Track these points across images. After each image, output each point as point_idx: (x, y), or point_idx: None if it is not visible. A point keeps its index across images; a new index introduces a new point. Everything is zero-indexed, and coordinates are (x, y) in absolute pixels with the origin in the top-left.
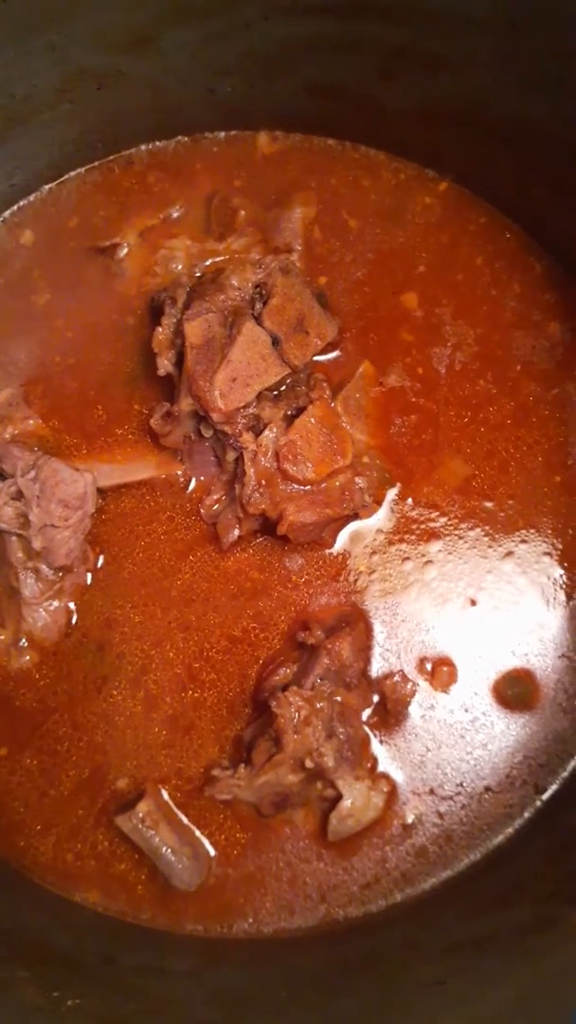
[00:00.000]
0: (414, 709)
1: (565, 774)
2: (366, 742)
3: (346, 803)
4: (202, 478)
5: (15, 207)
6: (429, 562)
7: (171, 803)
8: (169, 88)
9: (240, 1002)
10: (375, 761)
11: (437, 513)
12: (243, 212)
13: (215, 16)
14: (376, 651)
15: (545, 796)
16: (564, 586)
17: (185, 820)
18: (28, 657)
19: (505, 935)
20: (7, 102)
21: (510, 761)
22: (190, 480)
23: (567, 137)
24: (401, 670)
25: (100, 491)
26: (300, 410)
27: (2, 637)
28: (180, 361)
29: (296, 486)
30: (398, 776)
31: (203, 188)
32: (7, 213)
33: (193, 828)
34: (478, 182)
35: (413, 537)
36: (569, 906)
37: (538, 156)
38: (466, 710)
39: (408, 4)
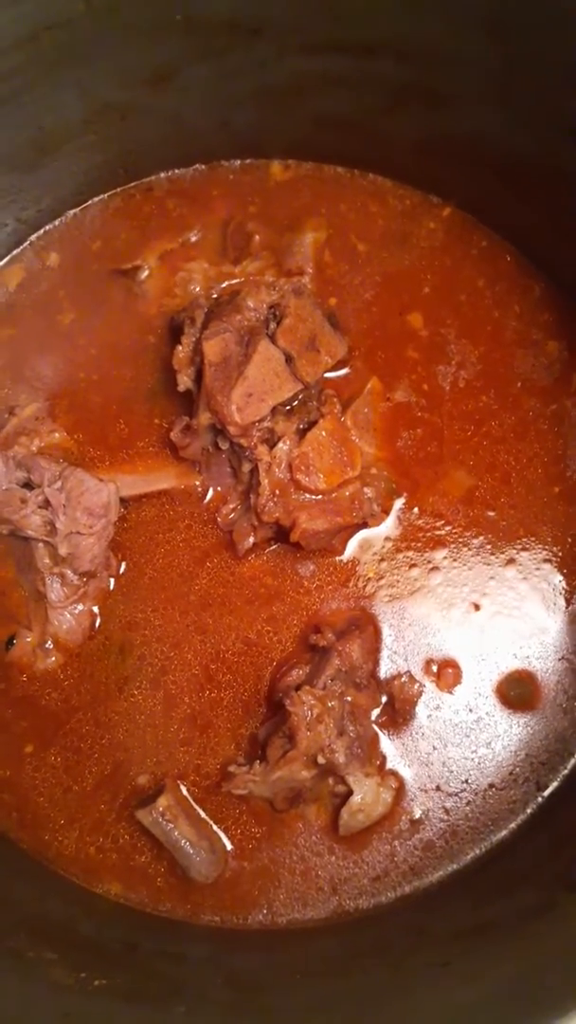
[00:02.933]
0: (421, 709)
1: (565, 771)
2: (375, 740)
3: (356, 798)
4: (219, 488)
5: (42, 231)
6: (435, 568)
7: (189, 798)
8: (187, 120)
9: (255, 984)
10: (384, 758)
11: (442, 522)
12: (257, 237)
13: (232, 54)
14: (384, 653)
15: (546, 792)
16: (564, 591)
17: (203, 814)
18: (53, 658)
19: (507, 920)
20: (36, 133)
21: (513, 759)
22: (207, 490)
23: (561, 167)
24: (408, 671)
25: (122, 500)
26: (312, 424)
27: (29, 639)
28: (199, 378)
29: (308, 496)
30: (406, 773)
31: (219, 214)
32: (34, 237)
33: (210, 822)
34: (479, 208)
35: (419, 545)
36: (568, 892)
37: (535, 184)
38: (470, 710)
39: (413, 45)
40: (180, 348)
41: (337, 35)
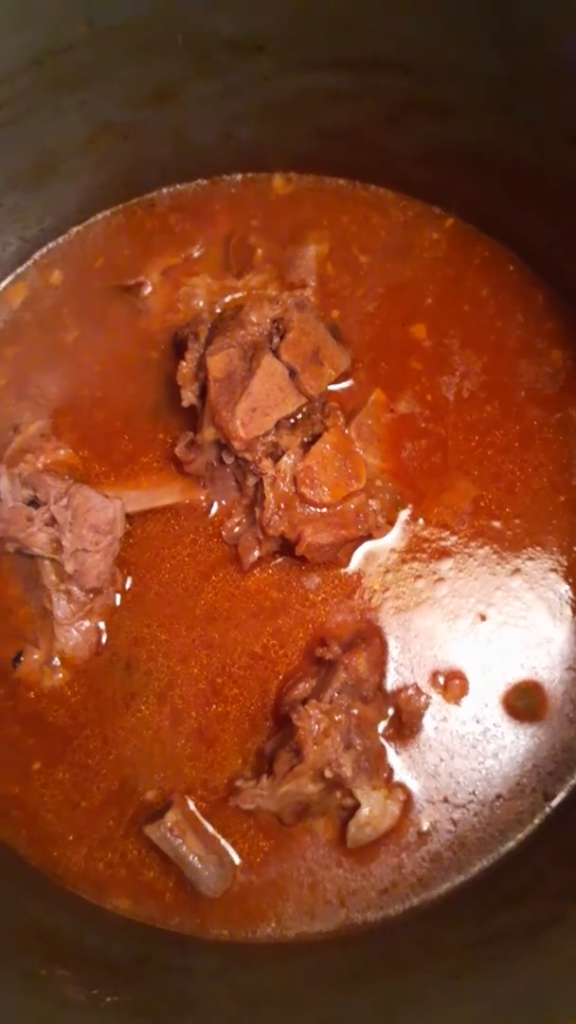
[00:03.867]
0: (428, 721)
1: (573, 782)
2: (382, 753)
3: (364, 811)
4: (223, 502)
5: (45, 249)
6: (440, 579)
7: (197, 813)
8: (189, 135)
9: (264, 998)
10: (391, 771)
11: (447, 533)
12: (260, 250)
13: (234, 71)
14: (391, 665)
15: (554, 803)
16: (570, 601)
17: (211, 829)
18: (60, 675)
19: (516, 932)
20: (40, 153)
21: (520, 770)
22: (212, 504)
23: (564, 177)
24: (415, 683)
25: (128, 516)
26: (316, 437)
27: (36, 656)
28: (203, 393)
29: (313, 509)
30: (413, 785)
31: (222, 228)
32: (37, 255)
33: (218, 837)
34: (482, 218)
35: (425, 556)
36: None
37: (537, 194)
38: (477, 721)
39: (414, 58)
40: (184, 364)
41: (338, 50)
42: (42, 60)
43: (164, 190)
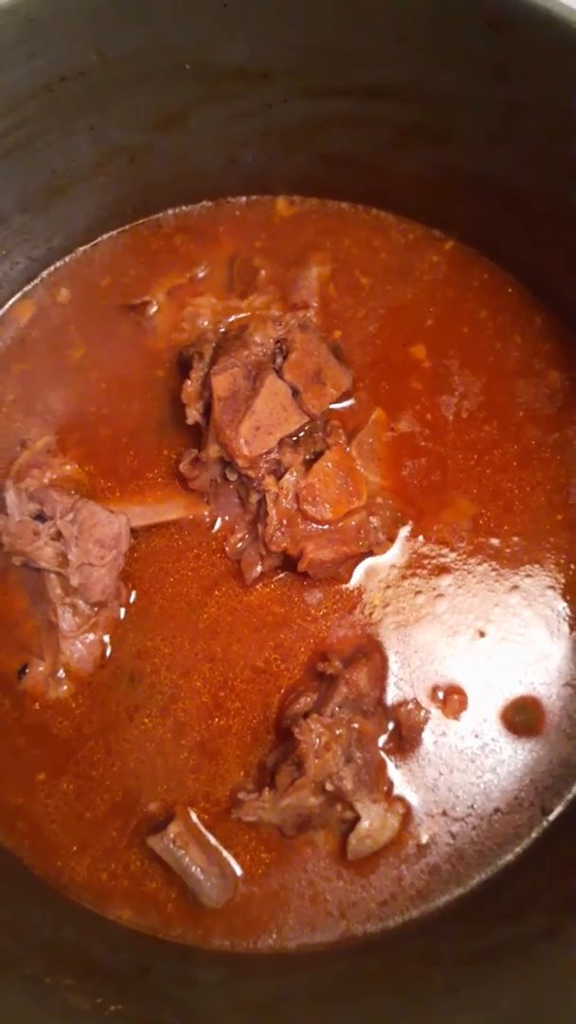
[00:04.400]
0: (427, 735)
1: (570, 796)
2: (382, 767)
3: (364, 824)
4: (227, 518)
5: (52, 268)
6: (440, 596)
7: (199, 825)
8: (195, 159)
9: (265, 1009)
10: (391, 784)
11: (447, 550)
12: (263, 272)
13: (240, 98)
14: (391, 680)
15: (551, 817)
16: (568, 618)
17: (213, 841)
18: (65, 687)
19: (515, 945)
20: (49, 176)
21: (518, 784)
22: (216, 520)
23: (562, 203)
24: (415, 698)
25: (132, 531)
26: (318, 455)
27: (41, 668)
28: (207, 411)
29: (315, 525)
30: (413, 799)
31: (226, 249)
32: (45, 274)
33: (220, 848)
34: (481, 241)
35: (424, 572)
36: (574, 917)
37: (535, 219)
38: (476, 736)
39: (416, 87)
40: (189, 383)
41: (342, 79)
42: (52, 86)
43: (170, 212)
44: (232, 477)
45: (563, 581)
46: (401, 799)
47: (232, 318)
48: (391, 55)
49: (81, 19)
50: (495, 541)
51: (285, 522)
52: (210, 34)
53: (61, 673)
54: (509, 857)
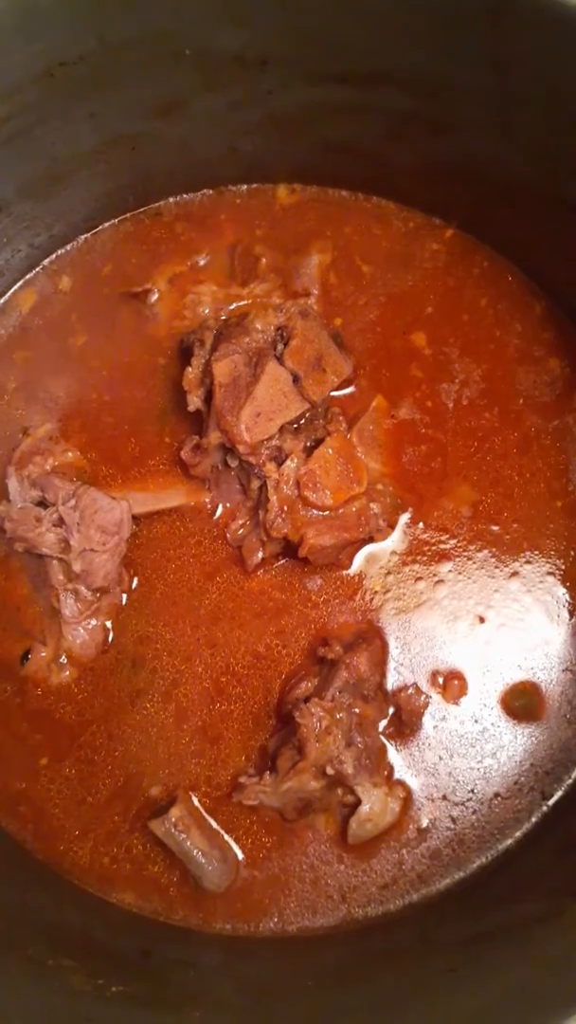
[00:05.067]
0: (427, 720)
1: (569, 781)
2: (383, 751)
3: (365, 808)
4: (228, 505)
5: (54, 256)
6: (440, 582)
7: (201, 809)
8: (195, 147)
9: (266, 991)
10: (391, 769)
11: (447, 536)
12: (264, 259)
13: (239, 85)
14: (391, 665)
15: (551, 802)
16: (567, 604)
17: (214, 825)
18: (67, 673)
19: (513, 927)
20: (50, 163)
21: (518, 769)
22: (217, 507)
23: (561, 191)
24: (415, 683)
25: (134, 518)
26: (319, 442)
27: (43, 654)
28: (208, 398)
29: (315, 512)
30: (413, 783)
31: (227, 237)
32: (47, 262)
33: (222, 832)
34: (481, 229)
35: (425, 558)
36: (572, 899)
37: (535, 207)
38: (476, 721)
39: (414, 75)
40: (190, 370)
41: (340, 66)
42: (52, 72)
43: (171, 200)
44: (233, 464)
45: (563, 567)
46: (402, 783)
47: (233, 305)
48: (390, 42)
49: (80, 3)
50: (495, 528)
51: (286, 508)
52: (209, 19)
53: (63, 659)
54: (509, 841)
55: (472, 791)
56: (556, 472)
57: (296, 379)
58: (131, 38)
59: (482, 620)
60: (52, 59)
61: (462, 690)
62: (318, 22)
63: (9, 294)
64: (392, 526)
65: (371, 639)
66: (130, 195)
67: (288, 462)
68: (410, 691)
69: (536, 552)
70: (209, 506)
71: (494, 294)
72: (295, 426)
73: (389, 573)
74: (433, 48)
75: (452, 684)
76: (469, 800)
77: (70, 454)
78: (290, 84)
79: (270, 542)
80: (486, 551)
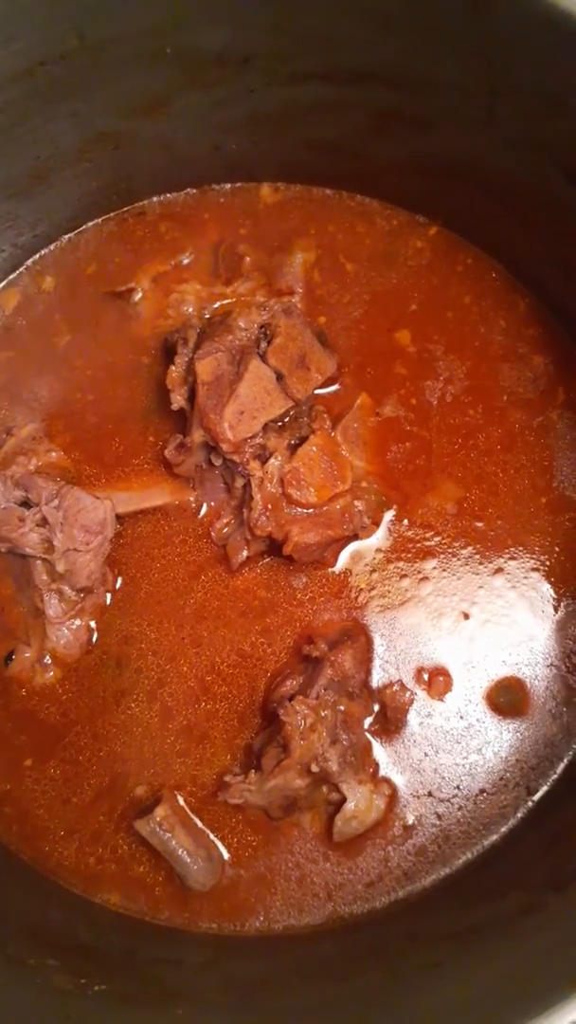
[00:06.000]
0: (412, 717)
1: (555, 776)
2: (368, 748)
3: (350, 806)
4: (212, 503)
5: (37, 256)
6: (425, 579)
7: (186, 808)
8: (179, 146)
9: (252, 988)
10: (377, 766)
11: (431, 533)
12: (248, 258)
13: (222, 84)
14: (376, 662)
15: (536, 797)
16: (551, 600)
17: (200, 824)
18: (52, 673)
19: (498, 921)
20: (32, 163)
21: (503, 765)
22: (201, 506)
23: (545, 188)
24: (400, 680)
25: (118, 517)
26: (303, 440)
27: (27, 654)
28: (192, 397)
29: (300, 510)
30: (398, 780)
31: (211, 236)
32: (30, 261)
33: (207, 831)
34: (465, 227)
35: (409, 556)
36: (555, 893)
37: (519, 204)
38: (461, 717)
39: (398, 71)
40: (173, 368)
41: (323, 63)
42: (34, 71)
43: (154, 199)
44: (217, 462)
45: (547, 563)
46: (387, 780)
47: (217, 304)
48: (372, 38)
49: (61, 1)
50: (480, 524)
51: (270, 506)
52: (191, 17)
53: (47, 659)
54: (494, 837)
55: (457, 787)
56: (540, 468)
57: (280, 377)
58: (112, 36)
59: (467, 616)
60: (33, 58)
61: (447, 686)
62: (300, 19)
63: None
64: (377, 523)
65: (356, 636)
66: (113, 194)
67: (272, 460)
68: (395, 688)
69: (521, 548)
70: (193, 505)
71: (478, 291)
72: (279, 424)
73: (374, 570)
74: (415, 42)
75: (437, 680)
76: (455, 796)
77: (54, 454)
78: (273, 82)
79: (255, 540)
80: (471, 548)
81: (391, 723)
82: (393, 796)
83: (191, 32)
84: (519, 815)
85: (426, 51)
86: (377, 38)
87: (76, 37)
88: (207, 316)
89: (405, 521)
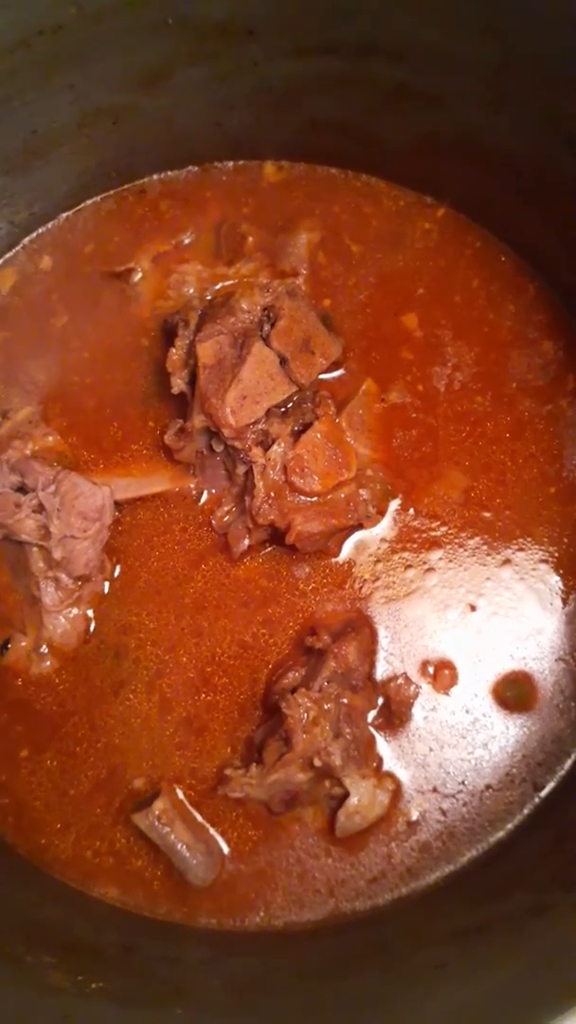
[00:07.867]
0: (417, 710)
1: (562, 772)
2: (372, 742)
3: (353, 801)
4: (213, 491)
5: (34, 234)
6: (430, 570)
7: (186, 802)
8: (180, 122)
9: (252, 986)
10: (380, 760)
11: (438, 523)
12: (251, 238)
13: (224, 57)
14: (380, 655)
15: (543, 793)
16: (560, 592)
17: (199, 818)
18: (48, 663)
19: (504, 921)
20: (29, 137)
21: (509, 760)
22: (202, 493)
23: (555, 168)
24: (404, 673)
25: (117, 504)
26: (307, 426)
27: (24, 643)
28: (192, 380)
29: (303, 498)
30: (403, 775)
31: (213, 215)
32: (27, 240)
33: (207, 825)
34: (474, 208)
35: (415, 546)
36: (563, 892)
37: (529, 185)
38: (467, 711)
39: (405, 46)
40: (174, 351)
41: (329, 36)
42: (30, 41)
43: (155, 176)
44: (218, 448)
45: (556, 554)
46: (391, 775)
47: (219, 285)
48: (379, 10)
49: None
50: (487, 514)
51: (273, 494)
52: None
53: (44, 648)
54: (500, 834)
55: (463, 783)
56: (549, 457)
57: (283, 361)
58: (111, 6)
59: (473, 608)
60: (29, 28)
61: (453, 680)
62: None
63: None
64: (382, 512)
65: (360, 628)
66: (113, 171)
67: (275, 447)
68: (400, 681)
69: (529, 539)
70: (194, 492)
71: (487, 275)
72: (282, 410)
73: (378, 561)
74: (423, 16)
75: (443, 674)
76: (460, 792)
77: (51, 438)
78: (277, 55)
79: (256, 529)
80: (478, 538)
81: (395, 717)
82: (397, 791)
83: (193, 1)
84: (525, 812)
85: (435, 24)
86: (384, 10)
87: (73, 6)
88: (209, 297)
89: (411, 510)
